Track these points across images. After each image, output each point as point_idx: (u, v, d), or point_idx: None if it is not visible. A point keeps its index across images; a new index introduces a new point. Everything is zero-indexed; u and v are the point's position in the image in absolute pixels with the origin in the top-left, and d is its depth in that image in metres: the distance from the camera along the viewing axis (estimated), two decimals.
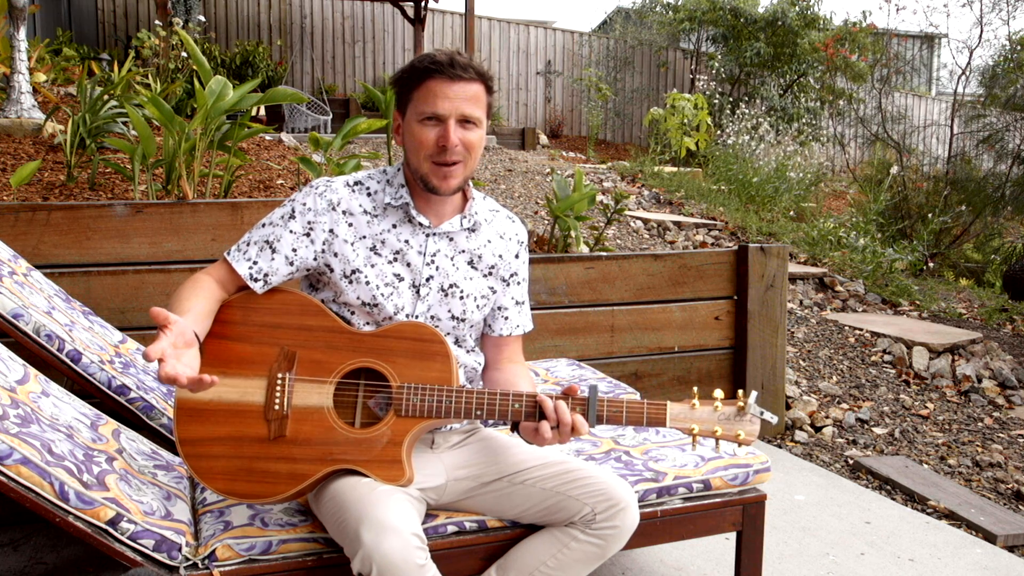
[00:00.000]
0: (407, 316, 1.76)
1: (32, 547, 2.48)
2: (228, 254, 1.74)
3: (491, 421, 1.73)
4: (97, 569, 2.36)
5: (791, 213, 8.15)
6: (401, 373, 1.67)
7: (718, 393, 1.68)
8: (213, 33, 12.00)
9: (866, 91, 11.97)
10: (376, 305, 1.74)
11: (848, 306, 5.64)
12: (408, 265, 1.77)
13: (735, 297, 3.65)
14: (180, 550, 1.60)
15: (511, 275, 1.91)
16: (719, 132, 10.66)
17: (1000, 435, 3.87)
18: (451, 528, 1.79)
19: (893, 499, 3.16)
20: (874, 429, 3.89)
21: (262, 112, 9.47)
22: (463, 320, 1.82)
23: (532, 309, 2.05)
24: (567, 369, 2.87)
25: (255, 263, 1.72)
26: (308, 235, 1.73)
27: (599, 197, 6.91)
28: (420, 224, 1.78)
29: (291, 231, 1.73)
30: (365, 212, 1.77)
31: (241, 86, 3.49)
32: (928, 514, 3.04)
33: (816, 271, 5.90)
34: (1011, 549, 2.81)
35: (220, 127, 3.63)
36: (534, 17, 24.43)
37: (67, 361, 2.05)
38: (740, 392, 1.69)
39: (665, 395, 3.51)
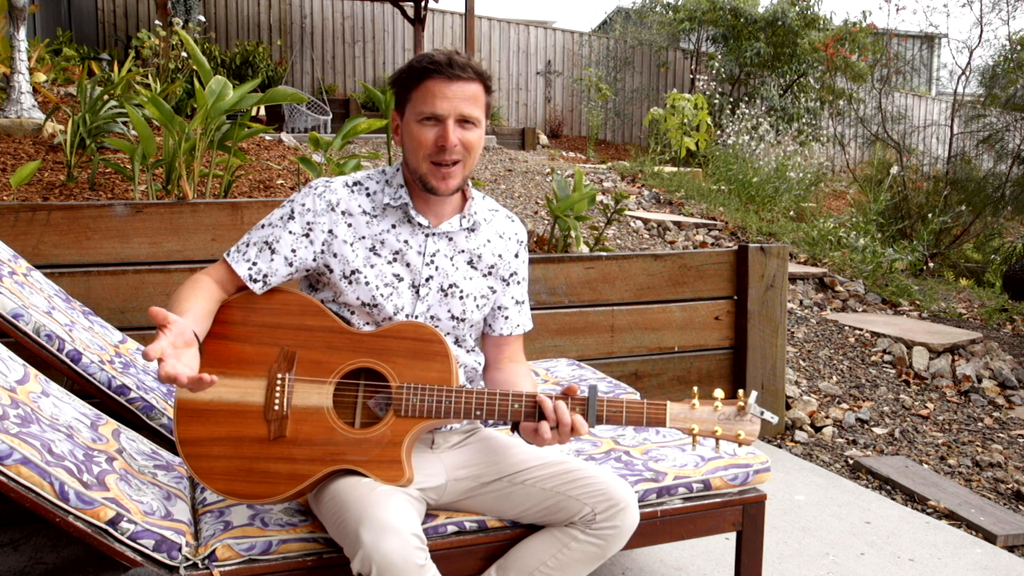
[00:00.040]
0: (407, 316, 1.76)
1: (32, 547, 2.48)
2: (227, 255, 1.74)
3: (491, 421, 1.73)
4: (97, 569, 2.36)
5: (791, 213, 8.14)
6: (401, 373, 1.67)
7: (718, 393, 1.68)
8: (213, 33, 12.01)
9: (866, 91, 11.97)
10: (376, 305, 1.74)
11: (848, 306, 5.64)
12: (407, 265, 1.77)
13: (735, 297, 3.65)
14: (180, 550, 1.60)
15: (511, 275, 1.91)
16: (719, 132, 10.66)
17: (1000, 435, 3.87)
18: (451, 528, 1.79)
19: (893, 499, 3.16)
20: (874, 429, 3.89)
21: (262, 112, 9.48)
22: (463, 320, 1.82)
23: (532, 309, 2.05)
24: (567, 369, 2.87)
25: (254, 264, 1.72)
26: (307, 236, 1.73)
27: (599, 197, 6.91)
28: (419, 224, 1.78)
29: (290, 232, 1.73)
30: (364, 212, 1.76)
31: (241, 86, 3.49)
32: (928, 514, 3.04)
33: (816, 271, 5.90)
34: (1011, 549, 2.81)
35: (220, 127, 3.63)
36: (534, 17, 24.45)
37: (67, 361, 2.05)
38: (740, 392, 1.69)
39: (665, 395, 3.51)
